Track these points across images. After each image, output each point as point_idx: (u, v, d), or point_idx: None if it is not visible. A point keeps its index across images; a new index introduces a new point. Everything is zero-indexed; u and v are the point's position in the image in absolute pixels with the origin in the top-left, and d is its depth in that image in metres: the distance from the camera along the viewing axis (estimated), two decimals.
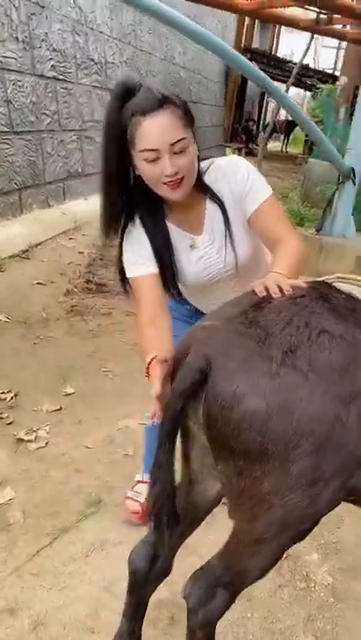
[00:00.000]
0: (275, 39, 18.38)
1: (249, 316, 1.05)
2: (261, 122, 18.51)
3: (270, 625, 1.64)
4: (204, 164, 1.44)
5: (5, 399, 2.56)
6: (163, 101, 1.26)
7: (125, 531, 1.91)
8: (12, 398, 2.57)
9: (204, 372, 1.00)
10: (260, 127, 17.18)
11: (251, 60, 7.27)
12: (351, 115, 5.33)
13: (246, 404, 0.95)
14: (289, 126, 17.28)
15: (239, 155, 2.84)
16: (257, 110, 18.80)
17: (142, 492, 1.97)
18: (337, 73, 11.35)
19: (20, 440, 2.31)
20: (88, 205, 5.54)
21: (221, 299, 1.57)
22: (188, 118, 1.31)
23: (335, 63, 11.71)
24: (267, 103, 19.58)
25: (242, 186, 1.43)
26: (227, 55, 3.29)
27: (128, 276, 1.43)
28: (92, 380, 2.85)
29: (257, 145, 13.29)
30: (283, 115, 15.67)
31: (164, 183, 1.31)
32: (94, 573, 1.75)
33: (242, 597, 1.40)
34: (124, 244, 1.44)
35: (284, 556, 1.31)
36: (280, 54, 17.31)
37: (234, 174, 1.43)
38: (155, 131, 1.26)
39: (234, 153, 9.86)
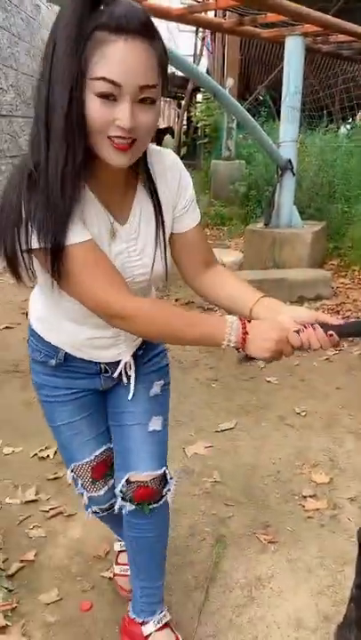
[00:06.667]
0: None
1: None
2: None
3: None
4: None
5: None
6: (148, 26, 0.88)
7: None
8: None
9: None
10: None
11: None
12: None
13: None
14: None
15: None
16: None
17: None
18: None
19: None
20: None
21: (100, 330, 1.15)
22: (165, 69, 0.95)
23: (195, 47, 10.75)
24: None
25: (181, 195, 1.15)
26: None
27: (69, 243, 0.95)
28: None
29: None
30: None
31: (110, 137, 0.92)
32: None
33: None
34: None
35: None
36: None
37: (175, 174, 1.13)
38: (125, 58, 0.86)
39: None
